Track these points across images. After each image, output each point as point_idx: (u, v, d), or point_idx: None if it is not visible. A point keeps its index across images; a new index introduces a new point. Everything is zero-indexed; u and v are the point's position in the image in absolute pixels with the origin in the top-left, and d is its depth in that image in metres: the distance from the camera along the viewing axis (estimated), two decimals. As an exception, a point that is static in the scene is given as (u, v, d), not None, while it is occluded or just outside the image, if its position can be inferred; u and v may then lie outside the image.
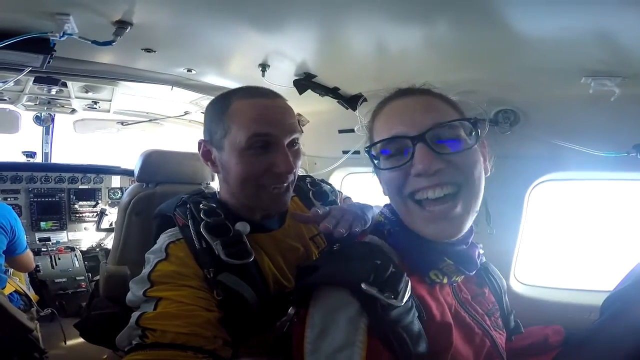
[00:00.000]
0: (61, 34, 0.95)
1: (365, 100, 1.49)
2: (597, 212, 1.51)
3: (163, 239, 0.82)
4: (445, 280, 0.67)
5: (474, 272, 0.72)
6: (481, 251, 0.78)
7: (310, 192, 1.03)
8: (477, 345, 0.68)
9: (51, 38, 0.99)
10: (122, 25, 0.97)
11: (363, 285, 0.55)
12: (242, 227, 0.82)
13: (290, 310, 0.66)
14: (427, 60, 1.15)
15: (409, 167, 0.63)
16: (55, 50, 1.10)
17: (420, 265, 0.67)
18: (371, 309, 0.55)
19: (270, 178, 0.82)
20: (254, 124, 0.80)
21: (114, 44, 1.00)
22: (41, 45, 1.08)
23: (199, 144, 0.90)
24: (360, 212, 0.82)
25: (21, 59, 1.14)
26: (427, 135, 0.62)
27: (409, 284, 0.59)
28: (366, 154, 0.72)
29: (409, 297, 0.57)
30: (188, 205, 0.85)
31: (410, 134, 0.63)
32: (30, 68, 1.26)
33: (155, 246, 0.82)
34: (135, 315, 0.71)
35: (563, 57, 0.96)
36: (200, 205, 0.84)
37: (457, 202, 0.63)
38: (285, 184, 0.84)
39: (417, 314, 0.59)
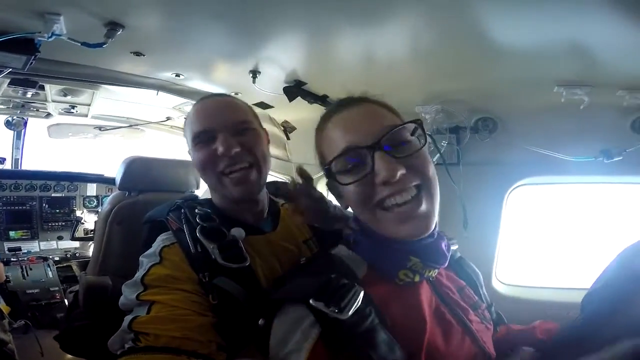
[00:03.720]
0: (49, 35, 0.92)
1: (352, 107, 1.52)
2: (571, 214, 1.60)
3: (157, 243, 0.81)
4: (417, 278, 0.68)
5: (446, 264, 0.73)
6: (455, 247, 0.81)
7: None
8: (456, 342, 0.68)
9: (38, 38, 0.96)
10: (113, 27, 0.95)
11: (311, 301, 0.59)
12: (238, 232, 0.82)
13: (260, 322, 0.67)
14: (412, 70, 1.20)
15: (372, 177, 0.64)
16: (39, 52, 1.07)
17: (388, 268, 0.69)
18: (322, 320, 0.59)
19: (221, 163, 0.85)
20: (193, 125, 0.88)
21: (104, 46, 0.99)
22: (25, 45, 1.04)
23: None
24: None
25: (2, 60, 1.09)
26: (382, 142, 0.64)
27: (360, 294, 0.61)
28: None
29: (361, 307, 0.60)
30: (183, 210, 0.85)
31: (364, 143, 0.64)
32: (10, 69, 1.21)
33: (150, 250, 0.81)
34: (128, 318, 0.70)
35: (537, 68, 1.03)
36: (196, 210, 0.85)
37: (421, 201, 0.65)
38: (238, 166, 0.85)
39: (377, 321, 0.61)
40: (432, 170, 0.67)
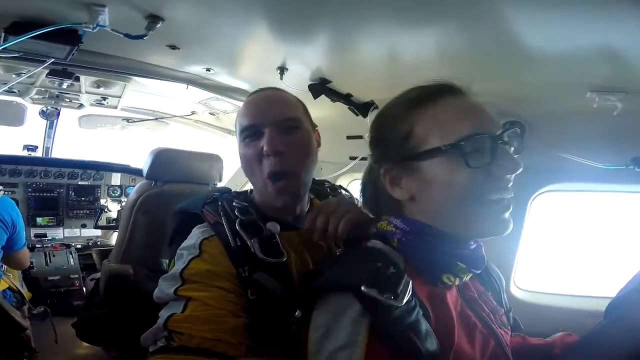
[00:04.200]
0: (94, 26, 0.97)
1: (376, 107, 1.53)
2: (596, 222, 1.56)
3: (197, 235, 0.80)
4: (457, 282, 0.69)
5: (480, 271, 0.73)
6: None
7: (330, 197, 1.03)
8: (481, 344, 0.68)
9: (84, 29, 1.01)
10: (154, 19, 1.00)
11: (362, 288, 0.57)
12: (273, 227, 0.81)
13: (297, 314, 0.67)
14: (439, 71, 1.17)
15: (489, 168, 0.63)
16: (82, 42, 1.13)
17: (433, 270, 0.68)
18: (373, 310, 0.57)
19: (266, 163, 0.81)
20: (242, 119, 0.86)
21: (145, 38, 1.03)
22: (70, 36, 1.09)
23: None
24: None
25: (47, 50, 1.16)
26: (505, 135, 0.66)
27: (410, 284, 0.60)
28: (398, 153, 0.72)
29: (410, 297, 0.59)
30: (220, 203, 0.83)
31: (491, 132, 0.65)
32: (53, 59, 1.27)
33: (189, 242, 0.80)
34: (163, 316, 0.70)
35: (570, 72, 1.01)
36: (234, 203, 0.83)
37: None
38: (281, 169, 0.81)
39: (421, 313, 0.60)
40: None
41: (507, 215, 0.65)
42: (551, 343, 0.82)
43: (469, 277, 0.72)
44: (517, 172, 0.62)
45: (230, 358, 0.68)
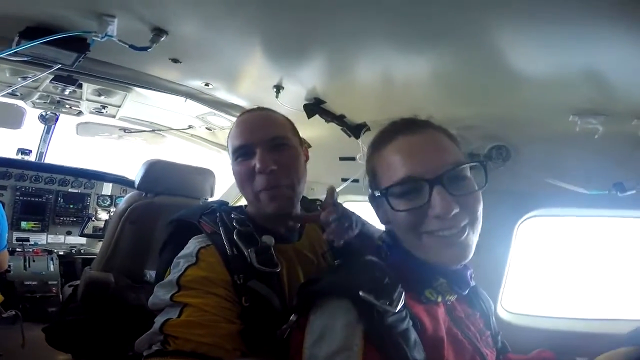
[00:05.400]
0: (103, 35, 1.02)
1: (368, 129, 1.59)
2: (581, 246, 1.59)
3: (194, 244, 0.83)
4: (439, 299, 0.71)
5: (466, 292, 0.76)
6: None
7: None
8: None
9: (92, 38, 1.06)
10: (159, 32, 1.05)
11: (361, 293, 0.59)
12: (268, 239, 0.84)
13: (292, 317, 0.68)
14: (428, 94, 1.24)
15: (426, 209, 0.67)
16: (89, 51, 1.18)
17: (416, 284, 0.71)
18: (368, 315, 0.59)
19: (259, 181, 0.86)
20: (234, 139, 0.91)
21: (149, 50, 1.08)
22: (78, 44, 1.14)
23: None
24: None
25: (55, 55, 1.20)
26: (443, 178, 0.66)
27: (403, 294, 0.63)
28: (367, 180, 0.78)
29: (402, 306, 0.62)
30: (218, 214, 0.88)
31: (426, 176, 0.67)
32: (59, 65, 1.32)
33: (186, 251, 0.82)
34: (159, 321, 0.71)
35: (553, 95, 1.04)
36: (232, 215, 0.88)
37: (465, 233, 0.68)
38: (275, 187, 0.87)
39: (411, 323, 0.63)
40: (480, 209, 0.70)
41: (452, 247, 0.68)
42: (529, 358, 0.87)
43: (453, 297, 0.75)
44: (450, 215, 0.65)
45: None
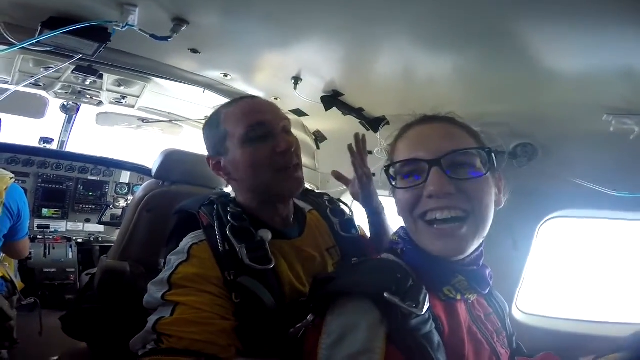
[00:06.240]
0: (124, 24, 1.02)
1: (387, 123, 1.55)
2: (603, 249, 1.53)
3: (187, 241, 0.82)
4: (458, 297, 0.70)
5: (486, 292, 0.75)
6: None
7: (328, 209, 1.06)
8: None
9: (114, 27, 1.06)
10: (179, 22, 1.05)
11: (386, 294, 0.57)
12: (265, 234, 0.83)
13: (309, 317, 0.66)
14: (452, 90, 1.21)
15: (422, 189, 0.66)
16: (110, 40, 1.18)
17: (434, 281, 0.69)
18: (392, 317, 0.57)
19: (278, 159, 0.86)
20: (247, 117, 0.87)
21: (169, 40, 1.08)
22: (99, 33, 1.15)
23: (207, 161, 0.95)
24: None
25: (77, 45, 1.21)
26: (443, 160, 0.65)
27: (427, 296, 0.62)
28: (384, 175, 0.76)
29: (427, 309, 0.60)
30: (215, 206, 0.86)
31: (427, 157, 0.67)
32: (81, 55, 1.33)
33: (178, 248, 0.82)
34: (152, 320, 0.71)
35: (585, 94, 1.00)
36: (228, 207, 0.86)
37: (464, 225, 0.66)
38: (295, 166, 0.88)
39: (434, 325, 0.61)
40: (486, 200, 0.67)
41: (445, 238, 0.66)
42: None
43: (474, 296, 0.73)
44: (442, 193, 0.64)
45: None
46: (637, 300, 1.42)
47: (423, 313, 0.58)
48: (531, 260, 1.43)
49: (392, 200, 0.80)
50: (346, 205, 1.17)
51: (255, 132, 0.86)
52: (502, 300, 0.87)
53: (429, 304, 0.60)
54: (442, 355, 0.59)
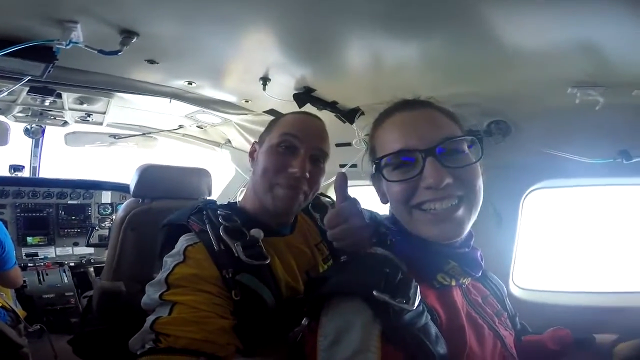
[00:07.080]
0: (67, 42, 0.95)
1: (362, 113, 1.52)
2: (589, 216, 1.56)
3: (181, 243, 0.84)
4: (453, 283, 0.70)
5: (479, 274, 0.75)
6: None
7: (309, 205, 1.08)
8: (489, 345, 0.69)
9: (57, 46, 0.99)
10: (128, 35, 0.98)
11: (374, 292, 0.57)
12: (257, 233, 0.86)
13: (304, 321, 0.66)
14: (421, 74, 1.19)
15: (418, 180, 0.66)
16: (57, 59, 1.11)
17: (427, 270, 0.69)
18: (384, 315, 0.57)
19: (284, 177, 0.88)
20: (287, 126, 0.93)
21: (120, 54, 1.01)
22: (44, 53, 1.08)
23: (252, 144, 1.01)
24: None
25: (22, 67, 1.14)
26: (437, 149, 0.65)
27: (418, 289, 0.61)
28: (366, 165, 0.76)
29: (419, 302, 0.59)
30: (205, 212, 0.88)
31: (419, 147, 0.66)
32: (29, 77, 1.25)
33: (174, 250, 0.83)
34: (150, 319, 0.72)
35: (549, 69, 1.01)
36: (218, 211, 0.88)
37: (459, 208, 0.66)
38: (294, 190, 0.89)
39: (429, 317, 0.61)
40: (479, 184, 0.68)
41: (443, 222, 0.66)
42: (544, 340, 0.86)
43: (467, 280, 0.73)
44: (441, 185, 0.64)
45: (218, 358, 0.69)
46: (632, 267, 1.45)
47: (414, 307, 0.57)
48: (520, 235, 1.44)
49: (373, 189, 0.80)
50: (329, 198, 1.17)
51: (283, 143, 0.90)
52: (497, 281, 0.87)
53: (420, 297, 0.59)
54: (442, 346, 0.58)
